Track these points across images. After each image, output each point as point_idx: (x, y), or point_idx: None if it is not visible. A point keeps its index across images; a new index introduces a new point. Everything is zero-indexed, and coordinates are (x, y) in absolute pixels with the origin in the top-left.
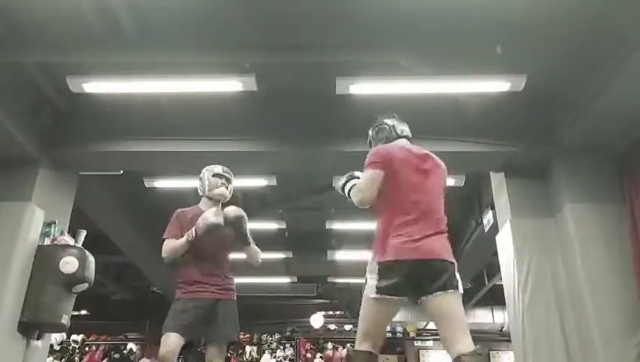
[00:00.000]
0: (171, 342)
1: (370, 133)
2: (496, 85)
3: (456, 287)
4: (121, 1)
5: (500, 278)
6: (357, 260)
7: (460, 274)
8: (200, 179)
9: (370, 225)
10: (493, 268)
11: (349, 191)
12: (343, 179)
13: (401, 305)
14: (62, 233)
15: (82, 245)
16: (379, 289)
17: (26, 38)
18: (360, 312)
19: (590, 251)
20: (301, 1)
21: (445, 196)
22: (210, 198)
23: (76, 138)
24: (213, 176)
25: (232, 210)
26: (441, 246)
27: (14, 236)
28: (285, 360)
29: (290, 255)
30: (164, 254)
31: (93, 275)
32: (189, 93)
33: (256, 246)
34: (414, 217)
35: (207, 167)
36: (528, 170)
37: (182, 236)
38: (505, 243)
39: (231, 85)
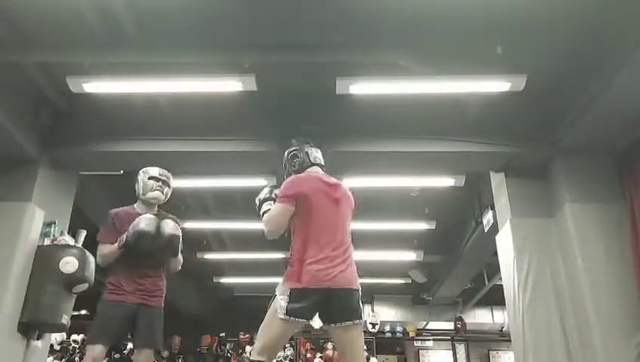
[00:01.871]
0: (98, 352)
1: (285, 155)
2: (496, 85)
3: (361, 317)
4: (121, 1)
5: (500, 278)
6: (357, 260)
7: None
8: (137, 180)
9: (370, 226)
10: (493, 268)
11: (263, 213)
12: (263, 195)
13: (303, 324)
14: (62, 233)
15: (82, 245)
16: (288, 311)
17: (26, 38)
18: (264, 327)
19: (590, 251)
20: (301, 1)
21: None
22: (144, 201)
23: (76, 138)
24: (149, 178)
25: (170, 227)
26: (352, 275)
27: (14, 236)
28: (285, 360)
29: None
30: (98, 260)
31: (93, 275)
32: (189, 93)
33: (180, 256)
34: (328, 246)
35: (144, 169)
36: (528, 170)
37: (115, 240)
38: (505, 243)
39: (231, 85)
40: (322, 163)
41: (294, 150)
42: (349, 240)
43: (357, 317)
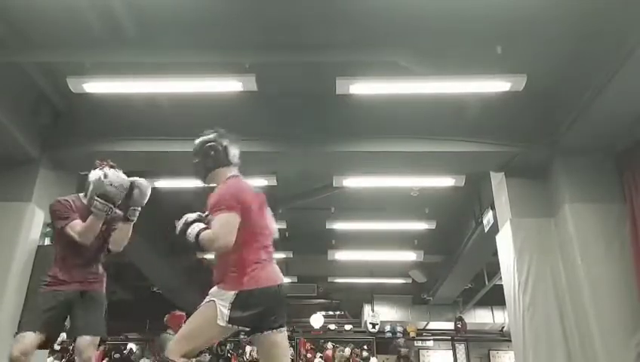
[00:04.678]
0: (27, 341)
1: (198, 146)
2: (497, 85)
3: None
4: (121, 1)
5: (500, 278)
6: (357, 260)
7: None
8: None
9: (370, 226)
10: (493, 268)
11: (197, 235)
12: (184, 223)
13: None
14: None
15: None
16: (231, 320)
17: (26, 38)
18: (194, 330)
19: (590, 251)
20: (301, 1)
21: None
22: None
23: (76, 138)
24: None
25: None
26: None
27: (15, 236)
28: None
29: (290, 255)
30: (80, 238)
31: None
32: (189, 93)
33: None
34: (267, 248)
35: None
36: (528, 170)
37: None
38: (505, 243)
39: (231, 85)
40: (238, 162)
41: (212, 143)
42: None
43: (285, 323)
